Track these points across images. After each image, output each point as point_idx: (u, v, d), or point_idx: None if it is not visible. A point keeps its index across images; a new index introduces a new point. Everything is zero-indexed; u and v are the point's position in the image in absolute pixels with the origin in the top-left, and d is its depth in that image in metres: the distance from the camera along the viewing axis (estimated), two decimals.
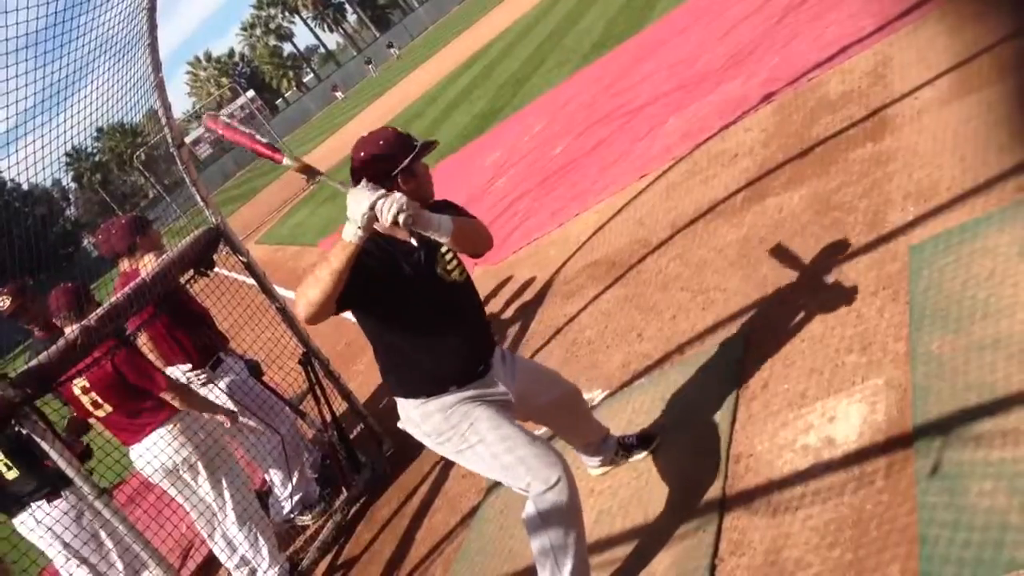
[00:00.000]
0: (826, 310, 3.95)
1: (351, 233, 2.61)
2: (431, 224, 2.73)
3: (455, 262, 3.15)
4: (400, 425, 3.30)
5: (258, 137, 2.89)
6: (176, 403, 4.79)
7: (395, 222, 2.57)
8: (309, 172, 2.86)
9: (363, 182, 2.72)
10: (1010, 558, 2.36)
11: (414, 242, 3.05)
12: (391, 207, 2.56)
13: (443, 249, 3.10)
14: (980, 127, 4.34)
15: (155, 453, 4.83)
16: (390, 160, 2.99)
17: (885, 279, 3.84)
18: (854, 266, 4.09)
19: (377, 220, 2.60)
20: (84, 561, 5.29)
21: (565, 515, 3.06)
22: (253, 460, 5.68)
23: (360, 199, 2.59)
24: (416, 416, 3.19)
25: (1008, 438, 2.69)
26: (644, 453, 3.91)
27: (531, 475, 3.05)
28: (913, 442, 2.95)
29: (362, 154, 3.04)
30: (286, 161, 2.81)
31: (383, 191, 2.61)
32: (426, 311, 3.08)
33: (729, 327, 4.39)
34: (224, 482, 5.01)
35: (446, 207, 3.14)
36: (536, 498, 3.05)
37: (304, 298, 2.69)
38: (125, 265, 5.37)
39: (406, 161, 3.00)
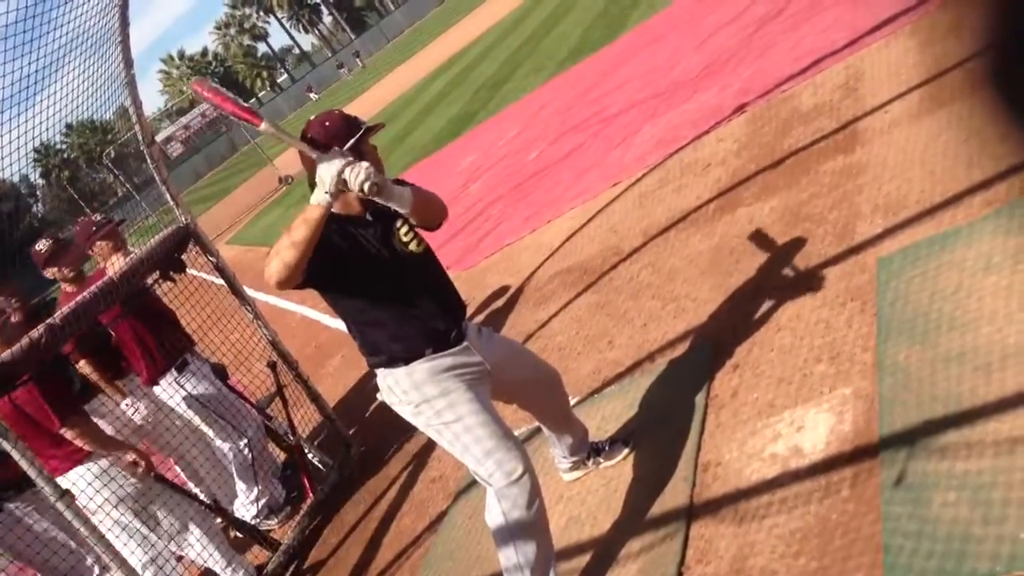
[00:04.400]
0: (795, 320, 3.98)
1: (320, 197, 2.73)
2: (393, 194, 2.89)
3: (411, 234, 3.21)
4: (379, 396, 3.32)
5: (240, 102, 2.92)
6: (80, 443, 4.46)
7: (361, 189, 2.70)
8: (284, 135, 2.91)
9: (334, 149, 2.84)
10: (972, 569, 2.38)
11: (369, 217, 3.13)
12: (359, 174, 2.70)
13: (398, 223, 3.17)
14: (950, 142, 4.40)
15: (82, 487, 4.51)
16: (337, 140, 3.03)
17: (854, 290, 3.88)
18: (823, 277, 4.12)
19: (345, 187, 2.73)
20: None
21: (527, 513, 3.09)
22: (212, 468, 5.63)
23: (332, 164, 2.73)
24: (394, 384, 3.20)
25: (972, 450, 2.72)
26: (616, 459, 3.92)
27: (495, 466, 3.08)
28: (879, 452, 2.97)
29: (310, 135, 3.08)
30: (264, 126, 2.84)
31: (352, 158, 2.75)
32: (391, 283, 3.14)
33: (699, 336, 4.41)
34: (163, 510, 4.83)
35: (400, 184, 3.18)
36: (498, 491, 3.09)
37: (278, 258, 2.73)
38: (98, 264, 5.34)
39: (352, 141, 3.05)
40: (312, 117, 3.17)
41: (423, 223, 3.19)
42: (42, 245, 5.13)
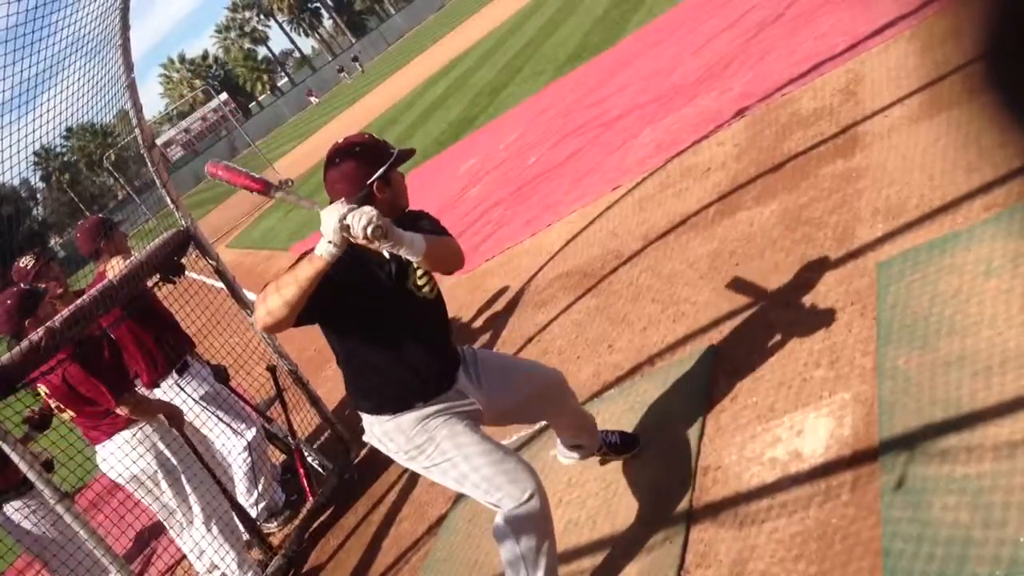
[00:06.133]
0: (795, 324, 3.98)
1: (323, 249, 2.56)
2: (403, 241, 2.66)
3: (426, 277, 3.09)
4: (365, 439, 3.24)
5: (253, 175, 2.85)
6: (134, 416, 4.71)
7: (365, 235, 2.51)
8: (294, 198, 2.80)
9: (341, 201, 2.65)
10: (972, 573, 2.38)
11: (386, 254, 2.95)
12: (361, 220, 2.50)
13: (415, 264, 3.01)
14: (949, 146, 4.40)
15: (119, 457, 4.77)
16: (366, 168, 2.92)
17: (853, 294, 3.88)
18: (823, 281, 4.12)
19: (349, 234, 2.54)
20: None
21: (536, 527, 3.01)
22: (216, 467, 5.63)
23: (332, 214, 2.54)
24: (380, 433, 3.15)
25: (972, 454, 2.72)
26: (623, 457, 3.89)
27: (500, 492, 3.00)
28: (879, 456, 2.97)
29: (337, 160, 2.96)
30: (278, 195, 2.76)
31: (354, 205, 2.56)
32: (393, 326, 3.03)
33: (699, 339, 4.41)
34: (188, 488, 4.95)
35: (420, 219, 3.08)
36: (507, 513, 2.99)
37: (264, 308, 2.63)
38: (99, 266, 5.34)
39: (382, 170, 2.93)
40: (340, 139, 3.04)
41: (436, 270, 3.03)
42: (26, 261, 5.09)
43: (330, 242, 2.54)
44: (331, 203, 2.77)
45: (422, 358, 3.09)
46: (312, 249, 2.61)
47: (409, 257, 2.73)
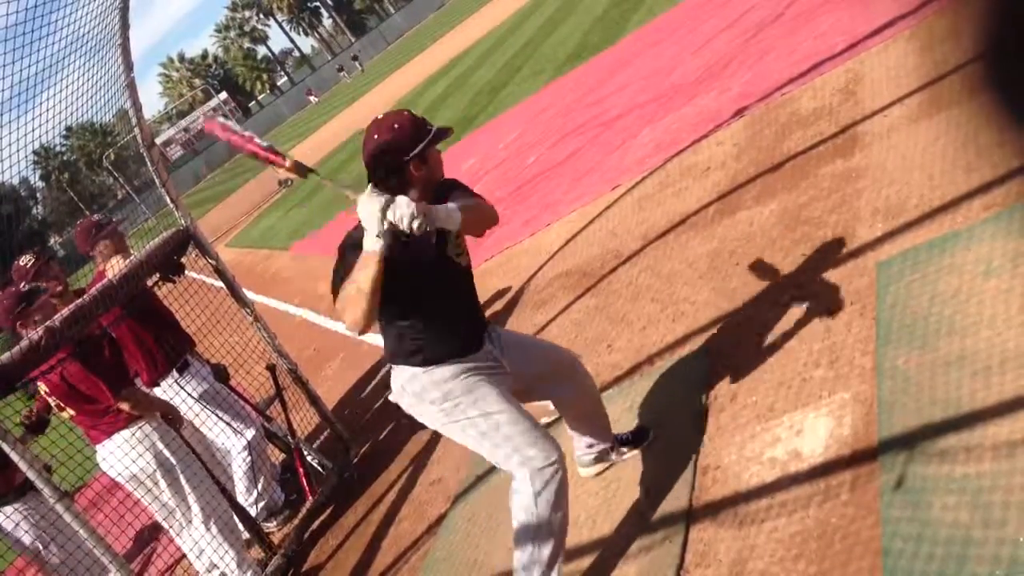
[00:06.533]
0: (794, 324, 3.97)
1: (373, 244, 2.67)
2: (439, 217, 2.78)
3: (460, 247, 3.18)
4: (392, 398, 3.30)
5: (257, 140, 2.87)
6: (135, 412, 4.72)
7: (411, 229, 2.63)
8: (306, 173, 2.86)
9: (369, 188, 2.72)
10: (972, 572, 2.38)
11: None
12: (404, 217, 2.61)
13: (453, 232, 3.08)
14: (948, 146, 4.40)
15: (119, 456, 4.78)
16: (404, 145, 2.97)
17: (853, 294, 3.88)
18: (823, 280, 4.12)
19: (394, 228, 2.64)
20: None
21: (556, 495, 3.05)
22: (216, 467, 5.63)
23: (370, 210, 2.63)
24: (412, 385, 3.18)
25: (971, 454, 2.72)
26: (637, 449, 3.89)
27: (520, 455, 3.05)
28: (878, 456, 2.97)
29: (376, 137, 3.00)
30: (287, 164, 2.79)
31: (388, 197, 2.64)
32: (433, 290, 3.11)
33: (699, 339, 4.41)
34: (187, 487, 4.94)
35: (453, 188, 3.13)
36: (533, 472, 3.03)
37: (350, 317, 2.78)
38: (99, 265, 5.34)
39: (420, 147, 2.98)
40: (379, 116, 3.08)
41: (474, 234, 3.12)
42: (26, 260, 5.09)
43: (377, 236, 2.65)
44: (368, 178, 2.86)
45: (456, 319, 3.21)
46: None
47: (448, 228, 2.85)
